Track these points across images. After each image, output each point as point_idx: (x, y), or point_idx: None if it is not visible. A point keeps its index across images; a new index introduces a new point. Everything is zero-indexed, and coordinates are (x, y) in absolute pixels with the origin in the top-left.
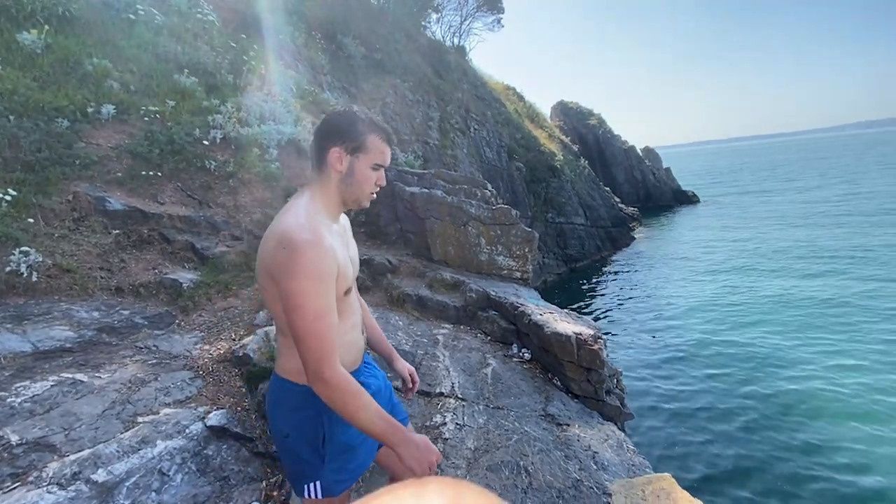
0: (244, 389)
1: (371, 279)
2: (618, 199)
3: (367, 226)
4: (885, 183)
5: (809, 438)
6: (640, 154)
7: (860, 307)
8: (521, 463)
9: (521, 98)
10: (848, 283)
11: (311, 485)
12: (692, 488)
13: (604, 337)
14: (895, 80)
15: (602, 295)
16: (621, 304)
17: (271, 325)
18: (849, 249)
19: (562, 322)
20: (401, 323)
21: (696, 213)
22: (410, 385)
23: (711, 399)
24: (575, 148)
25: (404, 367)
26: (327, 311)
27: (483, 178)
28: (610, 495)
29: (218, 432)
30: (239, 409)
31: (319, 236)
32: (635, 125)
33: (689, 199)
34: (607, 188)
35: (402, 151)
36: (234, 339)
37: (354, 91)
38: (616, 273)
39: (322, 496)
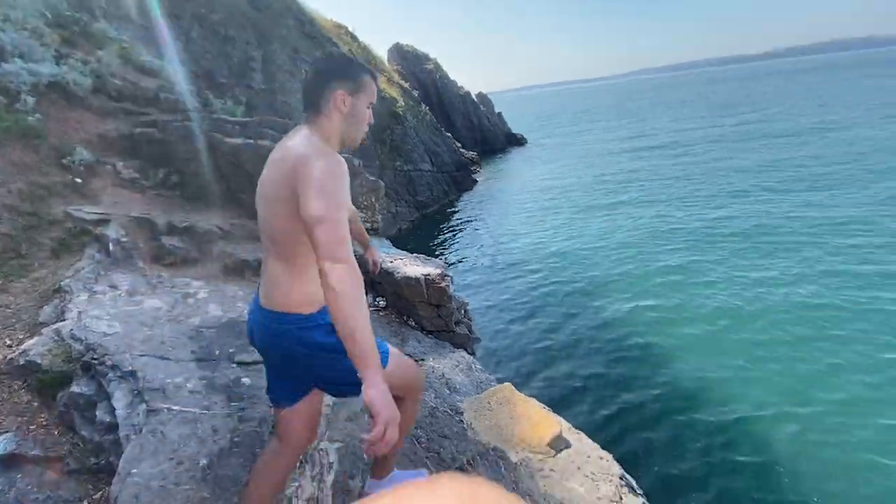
0: (35, 403)
1: (197, 249)
2: (458, 144)
3: (182, 187)
4: (668, 119)
5: (631, 348)
6: (476, 100)
7: (683, 230)
8: None
9: (354, 38)
10: (668, 209)
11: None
12: (533, 395)
13: (450, 274)
14: (682, 31)
15: (452, 236)
16: (469, 243)
17: (63, 320)
18: (664, 179)
19: (411, 266)
20: (241, 293)
21: (526, 154)
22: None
23: (549, 320)
24: (415, 93)
25: (372, 254)
26: (346, 207)
27: None
28: (461, 413)
29: (7, 461)
30: (33, 427)
31: (337, 155)
32: (467, 72)
33: (518, 142)
34: (448, 134)
35: (216, 97)
36: (9, 346)
37: (144, 22)
38: (463, 215)
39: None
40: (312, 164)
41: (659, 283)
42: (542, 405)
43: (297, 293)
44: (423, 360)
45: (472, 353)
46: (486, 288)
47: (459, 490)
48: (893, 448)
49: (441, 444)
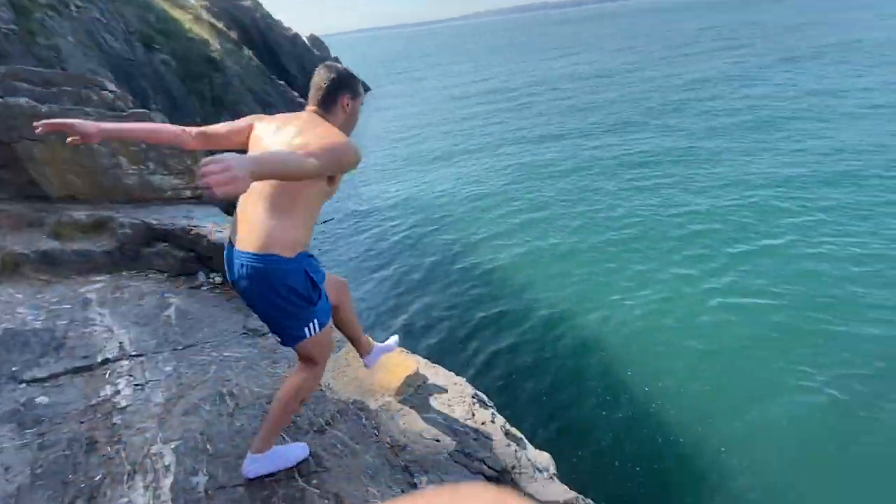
0: None
1: None
2: (296, 94)
3: None
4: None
5: (481, 279)
6: (308, 43)
7: (527, 169)
8: (224, 390)
9: None
10: (513, 150)
11: (311, 324)
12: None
13: None
14: None
15: None
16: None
17: None
18: (504, 123)
19: None
20: (21, 296)
21: (372, 103)
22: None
23: (405, 266)
24: (232, 35)
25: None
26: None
27: (112, 77)
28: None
29: None
30: None
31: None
32: (297, 12)
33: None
34: (281, 82)
35: None
36: None
37: None
38: None
39: (320, 329)
40: (344, 140)
41: (508, 221)
42: (400, 349)
43: (285, 238)
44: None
45: None
46: (341, 245)
47: (486, 500)
48: (751, 382)
49: (296, 413)
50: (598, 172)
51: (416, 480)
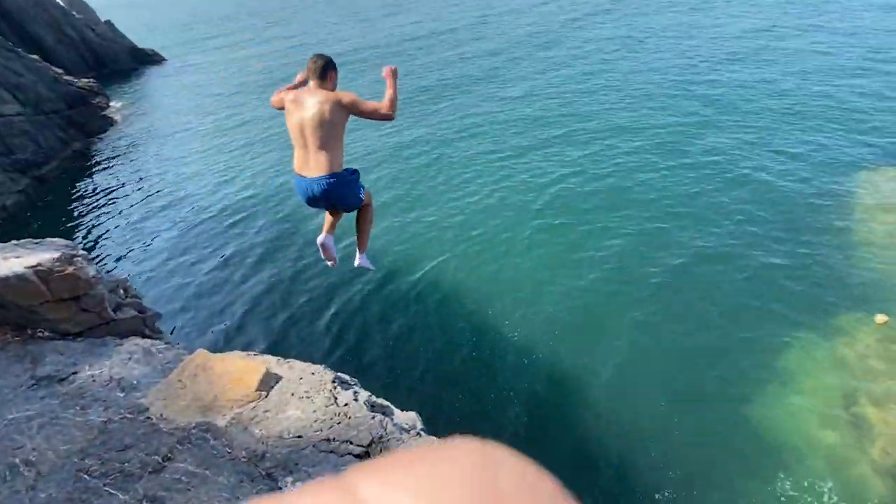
0: None
1: None
2: (60, 70)
3: None
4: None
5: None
6: (63, 5)
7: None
8: (18, 458)
9: None
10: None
11: (362, 190)
12: (239, 345)
13: (82, 253)
14: None
15: (95, 200)
16: (124, 202)
17: None
18: None
19: (9, 260)
20: None
21: (169, 76)
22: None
23: (240, 263)
24: None
25: None
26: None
27: None
28: (147, 409)
29: None
30: None
31: None
32: None
33: (151, 59)
34: (35, 56)
35: None
36: None
37: None
38: (104, 167)
39: (365, 189)
40: (348, 94)
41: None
42: (244, 353)
43: (336, 163)
44: (75, 373)
45: (153, 334)
46: (160, 251)
47: (472, 450)
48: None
49: (123, 458)
50: (461, 139)
51: (280, 485)
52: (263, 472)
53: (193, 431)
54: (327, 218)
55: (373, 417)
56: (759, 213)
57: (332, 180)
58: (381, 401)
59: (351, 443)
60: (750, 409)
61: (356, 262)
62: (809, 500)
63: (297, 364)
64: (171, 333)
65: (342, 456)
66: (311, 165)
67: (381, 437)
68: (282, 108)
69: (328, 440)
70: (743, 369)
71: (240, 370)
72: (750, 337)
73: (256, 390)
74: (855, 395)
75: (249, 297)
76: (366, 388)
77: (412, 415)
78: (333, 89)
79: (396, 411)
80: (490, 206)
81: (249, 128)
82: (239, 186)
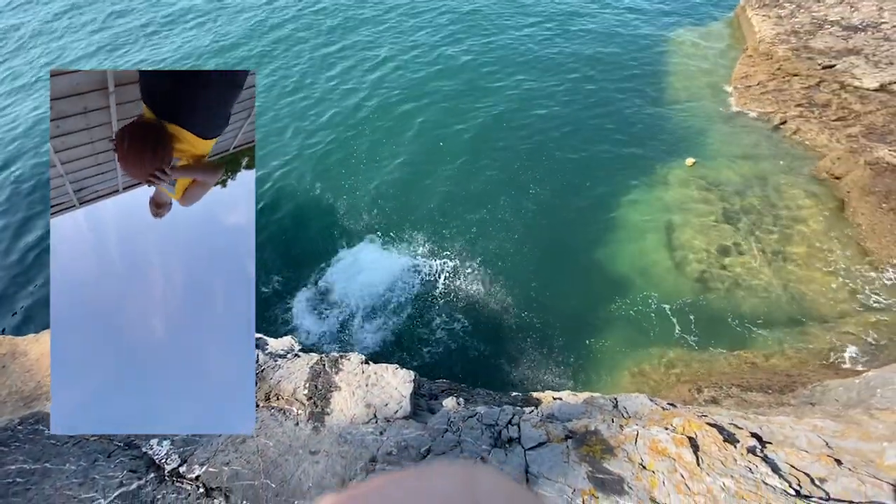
0: None
1: None
2: None
3: None
4: None
5: None
6: None
7: None
8: None
9: None
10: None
11: None
12: None
13: None
14: None
15: None
16: None
17: None
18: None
19: None
20: None
21: None
22: None
23: None
24: None
25: None
26: None
27: None
28: None
29: None
30: None
31: None
32: None
33: None
34: None
35: None
36: None
37: None
38: None
39: None
40: None
41: None
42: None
43: None
44: None
45: None
46: None
47: (456, 471)
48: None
49: None
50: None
51: (145, 449)
52: (121, 443)
53: (20, 428)
54: None
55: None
56: (576, 87)
57: None
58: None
59: None
60: (593, 255)
61: None
62: (642, 308)
63: None
64: None
65: None
66: None
67: (262, 370)
68: None
69: None
70: (583, 227)
71: None
72: (584, 198)
73: None
74: (673, 225)
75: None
76: None
77: (287, 340)
78: None
79: (270, 340)
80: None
81: None
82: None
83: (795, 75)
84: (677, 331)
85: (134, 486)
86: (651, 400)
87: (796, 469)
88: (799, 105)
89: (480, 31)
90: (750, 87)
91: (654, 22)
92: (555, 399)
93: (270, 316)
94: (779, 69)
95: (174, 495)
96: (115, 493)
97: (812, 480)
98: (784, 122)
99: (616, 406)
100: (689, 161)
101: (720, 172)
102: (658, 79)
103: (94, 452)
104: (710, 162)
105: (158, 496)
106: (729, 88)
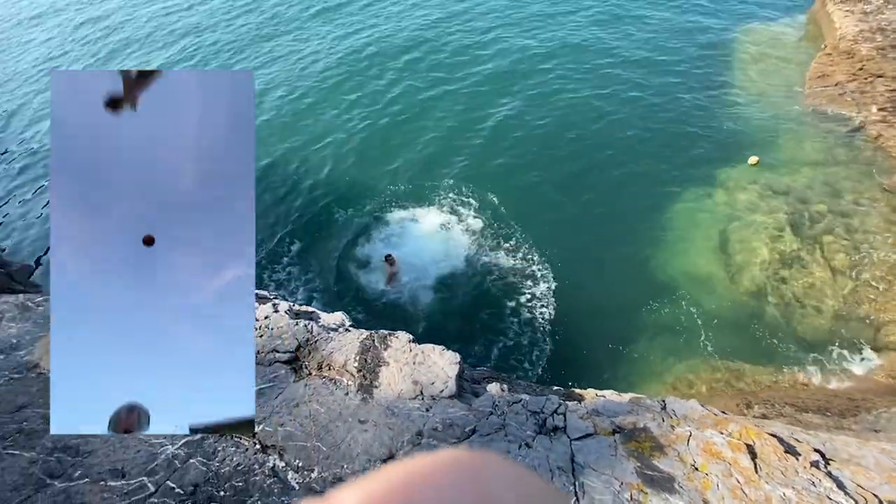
0: None
1: None
2: None
3: None
4: None
5: None
6: None
7: None
8: None
9: None
10: None
11: None
12: None
13: None
14: None
15: None
16: None
17: None
18: None
19: None
20: None
21: None
22: None
23: None
24: None
25: None
26: None
27: None
28: (38, 364)
29: None
30: None
31: None
32: None
33: None
34: None
35: None
36: None
37: None
38: None
39: None
40: None
41: None
42: None
43: None
44: None
45: (28, 288)
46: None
47: (462, 459)
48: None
49: (20, 418)
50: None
51: None
52: None
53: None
54: None
55: (296, 324)
56: (640, 80)
57: None
58: (305, 308)
59: (277, 351)
60: (644, 259)
61: None
62: (690, 317)
63: None
64: None
65: (270, 365)
66: None
67: (307, 340)
68: None
69: (256, 353)
70: (634, 227)
71: None
72: (640, 197)
73: None
74: (730, 230)
75: None
76: (289, 299)
77: (339, 315)
78: None
79: (322, 314)
80: None
81: None
82: None
83: (880, 76)
84: (728, 344)
85: (198, 436)
86: (702, 405)
87: (863, 489)
88: (882, 109)
89: (543, 25)
90: (827, 87)
91: (723, 14)
92: (598, 396)
93: (326, 289)
94: (861, 69)
95: (233, 448)
96: (182, 441)
97: (880, 502)
98: (863, 126)
99: (664, 408)
100: (753, 159)
101: (786, 176)
102: (724, 75)
103: None
104: (775, 164)
105: (219, 448)
106: (803, 88)
